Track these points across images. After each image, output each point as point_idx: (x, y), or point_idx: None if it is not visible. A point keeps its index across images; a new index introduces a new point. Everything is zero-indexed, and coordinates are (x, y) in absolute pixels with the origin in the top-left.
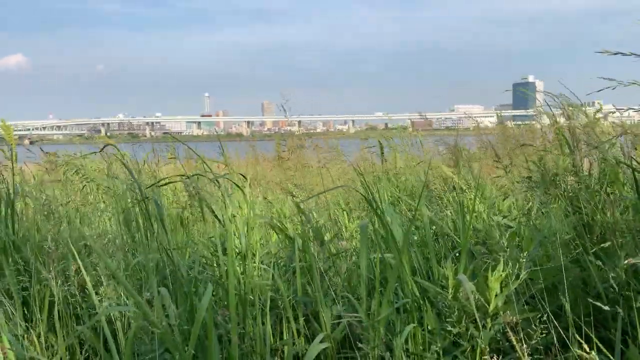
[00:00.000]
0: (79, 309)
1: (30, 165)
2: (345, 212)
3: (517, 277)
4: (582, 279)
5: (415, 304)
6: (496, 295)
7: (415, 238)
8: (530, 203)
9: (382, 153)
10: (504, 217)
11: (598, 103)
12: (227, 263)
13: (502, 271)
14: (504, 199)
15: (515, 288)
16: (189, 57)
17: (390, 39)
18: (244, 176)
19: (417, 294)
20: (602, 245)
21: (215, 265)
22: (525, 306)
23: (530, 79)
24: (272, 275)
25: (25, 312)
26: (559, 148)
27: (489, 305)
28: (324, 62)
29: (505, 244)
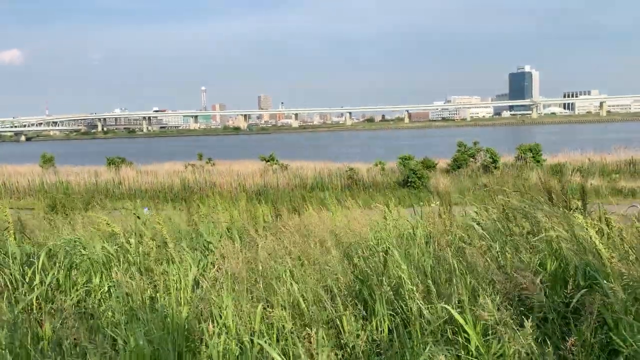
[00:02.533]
0: None
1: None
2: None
3: None
4: None
5: None
6: None
7: None
8: None
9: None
10: None
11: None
12: None
13: None
14: None
15: None
16: (184, 50)
17: (386, 29)
18: None
19: None
20: None
21: None
22: None
23: (527, 68)
24: None
25: None
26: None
27: None
28: (320, 53)
29: None
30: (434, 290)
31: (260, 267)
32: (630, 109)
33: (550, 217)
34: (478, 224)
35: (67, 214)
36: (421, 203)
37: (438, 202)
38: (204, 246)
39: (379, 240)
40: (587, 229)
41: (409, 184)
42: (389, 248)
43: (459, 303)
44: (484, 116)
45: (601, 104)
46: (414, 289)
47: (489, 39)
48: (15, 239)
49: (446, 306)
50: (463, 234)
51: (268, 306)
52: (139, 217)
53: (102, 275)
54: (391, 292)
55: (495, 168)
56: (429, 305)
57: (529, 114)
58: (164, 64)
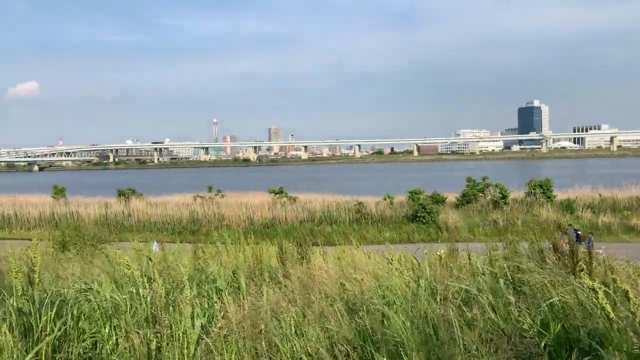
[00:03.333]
0: None
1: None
2: None
3: None
4: None
5: None
6: None
7: None
8: None
9: None
10: None
11: None
12: None
13: None
14: None
15: None
16: (197, 83)
17: (394, 63)
18: None
19: None
20: None
21: None
22: None
23: (536, 103)
24: None
25: None
26: None
27: None
28: (329, 87)
29: None
30: (436, 352)
31: (263, 326)
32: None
33: (555, 277)
34: (483, 275)
35: (78, 252)
36: (429, 247)
37: (444, 250)
38: (210, 292)
39: (384, 293)
40: (594, 293)
41: (417, 218)
42: (393, 303)
43: None
44: (493, 150)
45: (612, 138)
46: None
47: (498, 74)
48: (38, 283)
49: None
50: (469, 286)
51: None
52: (150, 259)
53: (109, 325)
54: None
55: (505, 204)
56: None
57: (539, 148)
58: (177, 96)
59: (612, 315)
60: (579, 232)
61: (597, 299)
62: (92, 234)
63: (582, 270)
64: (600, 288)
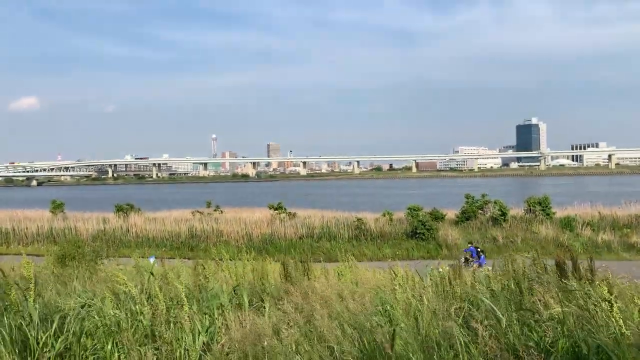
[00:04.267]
0: None
1: None
2: None
3: None
4: None
5: None
6: None
7: None
8: None
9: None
10: None
11: None
12: None
13: None
14: None
15: None
16: (196, 98)
17: (393, 80)
18: None
19: None
20: None
21: None
22: None
23: (534, 120)
24: None
25: None
26: None
27: None
28: (329, 103)
29: None
30: None
31: (266, 343)
32: (639, 161)
33: (560, 292)
34: (489, 289)
35: (77, 267)
36: (431, 267)
37: (447, 268)
38: (212, 308)
39: (387, 311)
40: (610, 305)
41: (417, 235)
42: (397, 321)
43: None
44: (491, 167)
45: (610, 156)
46: None
47: (496, 92)
48: (33, 301)
49: None
50: (474, 296)
51: None
52: (152, 274)
53: (112, 341)
54: None
55: (505, 221)
56: None
57: (537, 165)
58: (176, 112)
59: (624, 329)
60: (479, 249)
61: (612, 311)
62: (92, 249)
63: (591, 282)
64: (615, 301)
